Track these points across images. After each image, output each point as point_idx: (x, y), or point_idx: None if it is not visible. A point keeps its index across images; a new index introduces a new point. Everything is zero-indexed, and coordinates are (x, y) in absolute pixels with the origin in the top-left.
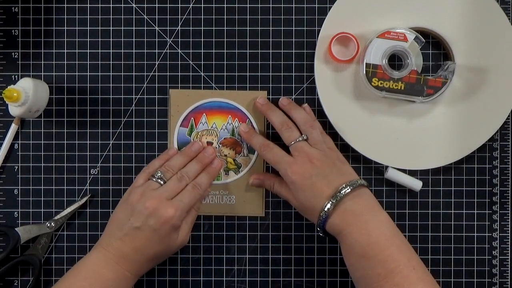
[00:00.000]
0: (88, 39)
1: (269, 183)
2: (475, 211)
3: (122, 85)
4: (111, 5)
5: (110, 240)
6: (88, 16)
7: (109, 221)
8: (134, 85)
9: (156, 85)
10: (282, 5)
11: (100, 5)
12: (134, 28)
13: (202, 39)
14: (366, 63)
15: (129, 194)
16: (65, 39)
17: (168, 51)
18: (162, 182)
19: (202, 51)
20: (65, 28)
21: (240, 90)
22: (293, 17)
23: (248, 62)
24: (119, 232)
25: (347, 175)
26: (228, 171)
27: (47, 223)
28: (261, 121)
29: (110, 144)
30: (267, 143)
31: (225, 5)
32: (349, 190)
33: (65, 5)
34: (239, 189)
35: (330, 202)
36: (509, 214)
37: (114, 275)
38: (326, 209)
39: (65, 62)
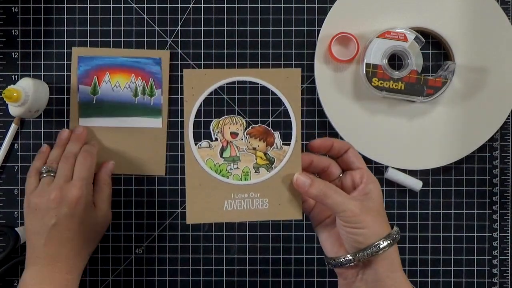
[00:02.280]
0: (88, 39)
1: (321, 186)
2: (475, 211)
3: None
4: (111, 5)
5: (34, 252)
6: (88, 16)
7: (26, 237)
8: None
9: None
10: (282, 5)
11: (100, 5)
12: (134, 28)
13: (202, 39)
14: (366, 63)
15: (29, 202)
16: (65, 39)
17: (168, 51)
18: (53, 174)
19: (202, 51)
20: (65, 28)
21: (268, 68)
22: (293, 17)
23: (248, 62)
24: (39, 239)
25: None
26: (259, 168)
27: None
28: (297, 107)
29: None
30: (331, 185)
31: (225, 5)
32: (398, 236)
33: (65, 5)
34: (273, 190)
35: (388, 242)
36: (509, 214)
37: (55, 285)
38: (381, 246)
39: (65, 62)
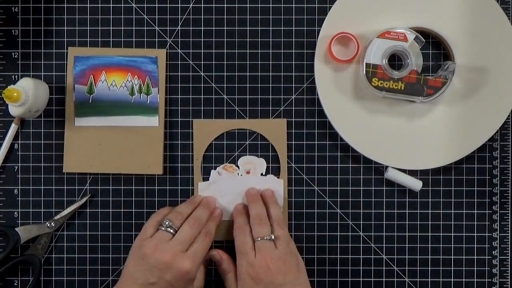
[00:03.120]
0: (88, 39)
1: (226, 267)
2: (475, 211)
3: None
4: (111, 5)
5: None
6: (88, 16)
7: (122, 275)
8: None
9: None
10: (282, 5)
11: (100, 5)
12: (134, 28)
13: (202, 39)
14: (366, 63)
15: (140, 247)
16: (65, 39)
17: (168, 51)
18: (172, 231)
19: (202, 51)
20: (65, 28)
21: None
22: (293, 17)
23: (248, 62)
24: (133, 284)
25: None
26: None
27: (47, 223)
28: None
29: None
30: (245, 227)
31: (225, 5)
32: None
33: (65, 5)
34: None
35: None
36: (509, 214)
37: None
38: None
39: (65, 62)
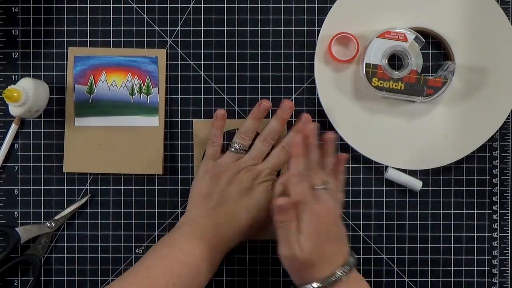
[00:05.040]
0: (88, 39)
1: (291, 215)
2: (475, 211)
3: None
4: (111, 5)
5: (199, 212)
6: (88, 16)
7: (193, 195)
8: None
9: None
10: (282, 5)
11: (100, 5)
12: (134, 28)
13: (202, 39)
14: (366, 63)
15: (211, 169)
16: (65, 39)
17: (168, 51)
18: (244, 153)
19: (202, 51)
20: (65, 28)
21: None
22: (293, 17)
23: (248, 62)
24: (210, 202)
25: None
26: None
27: (47, 223)
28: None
29: None
30: (303, 175)
31: (225, 5)
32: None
33: (65, 5)
34: None
35: (342, 271)
36: (509, 214)
37: (204, 251)
38: (337, 276)
39: (65, 62)
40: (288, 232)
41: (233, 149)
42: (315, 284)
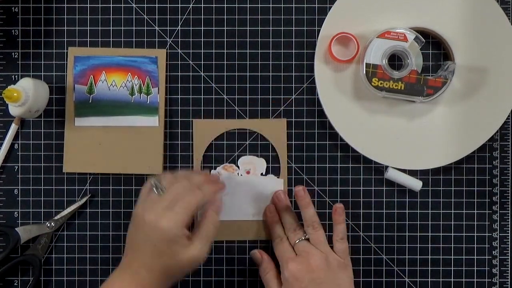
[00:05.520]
0: (88, 39)
1: (266, 266)
2: (475, 211)
3: None
4: (111, 5)
5: (126, 258)
6: (88, 16)
7: (126, 237)
8: None
9: None
10: (282, 5)
11: (100, 5)
12: (134, 28)
13: (202, 39)
14: (366, 63)
15: (136, 207)
16: (65, 39)
17: (168, 51)
18: (159, 191)
19: (202, 51)
20: (65, 28)
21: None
22: (293, 17)
23: (248, 62)
24: (129, 248)
25: (342, 286)
26: None
27: (47, 223)
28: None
29: None
30: (282, 237)
31: (225, 5)
32: None
33: (65, 5)
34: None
35: None
36: (509, 214)
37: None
38: None
39: (65, 62)
40: (268, 283)
41: (155, 190)
42: None
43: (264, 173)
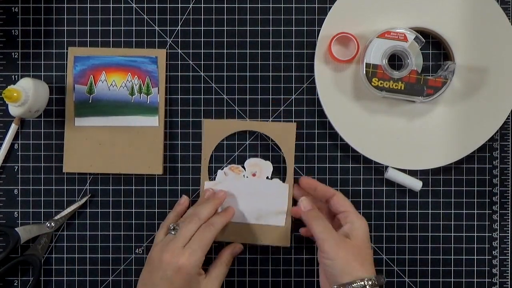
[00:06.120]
0: (88, 39)
1: (315, 214)
2: (475, 211)
3: None
4: (111, 5)
5: None
6: (88, 16)
7: (138, 282)
8: None
9: None
10: (282, 5)
11: (100, 5)
12: (134, 28)
13: (202, 39)
14: (366, 63)
15: (150, 252)
16: (65, 39)
17: (168, 51)
18: (175, 233)
19: (202, 51)
20: (65, 28)
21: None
22: (293, 17)
23: (248, 62)
24: None
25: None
26: None
27: (47, 223)
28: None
29: None
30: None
31: (225, 5)
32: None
33: (65, 5)
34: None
35: (372, 281)
36: (509, 214)
37: None
38: (365, 284)
39: (65, 62)
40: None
41: (172, 232)
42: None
43: (270, 177)
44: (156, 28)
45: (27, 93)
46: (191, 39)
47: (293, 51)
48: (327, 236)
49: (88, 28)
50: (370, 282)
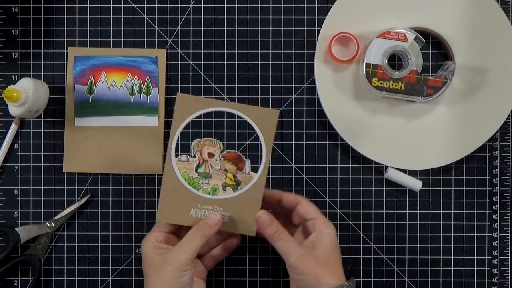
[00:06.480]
0: (88, 39)
1: (275, 228)
2: (475, 211)
3: None
4: (111, 5)
5: None
6: (88, 16)
7: None
8: None
9: None
10: (282, 5)
11: (100, 5)
12: (134, 28)
13: (202, 39)
14: (366, 63)
15: None
16: (65, 39)
17: (168, 51)
18: None
19: (202, 51)
20: (65, 28)
21: (251, 105)
22: (293, 17)
23: (248, 62)
24: None
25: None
26: (226, 187)
27: (47, 223)
28: (269, 140)
29: None
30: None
31: (225, 5)
32: None
33: (65, 5)
34: (235, 207)
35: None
36: (509, 214)
37: None
38: None
39: (65, 62)
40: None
41: None
42: None
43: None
44: (156, 28)
45: (27, 93)
46: (191, 39)
47: (293, 51)
48: (292, 251)
49: (88, 28)
50: None
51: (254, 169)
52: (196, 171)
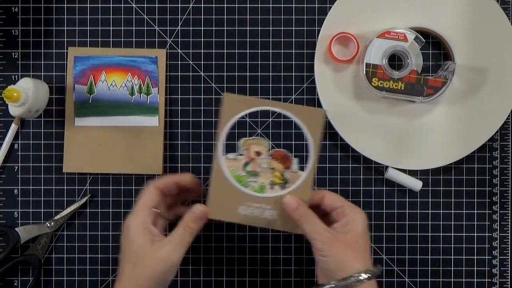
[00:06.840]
0: (88, 39)
1: (303, 212)
2: (475, 211)
3: None
4: (111, 5)
5: None
6: (88, 16)
7: None
8: None
9: None
10: (282, 5)
11: (100, 5)
12: (134, 28)
13: (202, 39)
14: (366, 63)
15: None
16: (65, 39)
17: (168, 51)
18: None
19: (202, 51)
20: (65, 28)
21: (297, 104)
22: (293, 17)
23: (248, 62)
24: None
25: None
26: (274, 185)
27: (47, 223)
28: (317, 138)
29: None
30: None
31: (225, 5)
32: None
33: (65, 5)
34: (282, 205)
35: (368, 275)
36: (509, 214)
37: None
38: (361, 277)
39: (65, 62)
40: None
41: None
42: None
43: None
44: (156, 28)
45: (27, 93)
46: (191, 39)
47: (293, 51)
48: (318, 235)
49: (88, 28)
50: (365, 276)
51: (300, 169)
52: (243, 169)
